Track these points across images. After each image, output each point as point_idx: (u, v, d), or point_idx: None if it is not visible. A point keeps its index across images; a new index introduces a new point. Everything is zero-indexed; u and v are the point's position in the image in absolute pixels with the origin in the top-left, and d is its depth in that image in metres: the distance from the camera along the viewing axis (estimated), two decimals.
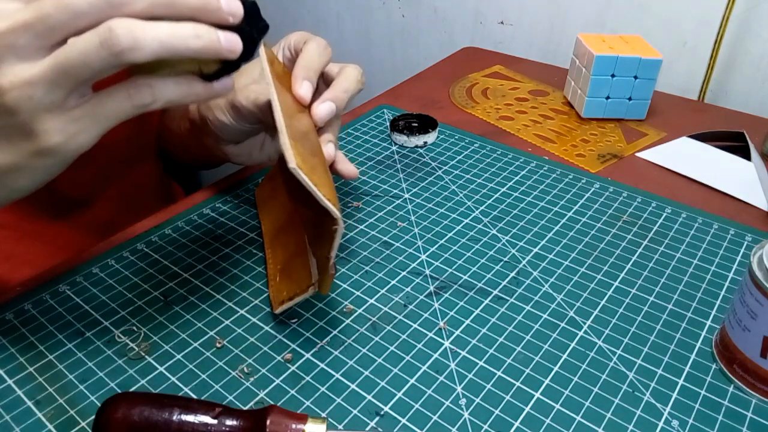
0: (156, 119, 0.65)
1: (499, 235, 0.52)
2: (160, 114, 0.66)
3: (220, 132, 0.49)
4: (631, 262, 0.49)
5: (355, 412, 0.37)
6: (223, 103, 0.47)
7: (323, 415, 0.37)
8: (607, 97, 0.70)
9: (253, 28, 0.33)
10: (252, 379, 0.39)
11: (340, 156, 0.48)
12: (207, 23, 0.31)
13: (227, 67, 0.34)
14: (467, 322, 0.43)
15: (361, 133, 0.68)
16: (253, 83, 0.47)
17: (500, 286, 0.47)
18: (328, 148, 0.45)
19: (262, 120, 0.47)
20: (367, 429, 0.36)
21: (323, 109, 0.44)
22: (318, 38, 0.48)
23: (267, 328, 0.43)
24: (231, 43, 0.32)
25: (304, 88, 0.44)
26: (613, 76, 0.69)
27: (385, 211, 0.55)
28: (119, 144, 0.59)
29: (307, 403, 0.37)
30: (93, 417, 0.35)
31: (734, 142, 0.65)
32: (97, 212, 0.60)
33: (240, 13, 0.32)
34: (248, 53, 0.34)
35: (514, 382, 0.39)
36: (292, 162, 0.34)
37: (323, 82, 0.49)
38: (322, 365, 0.40)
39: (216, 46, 0.31)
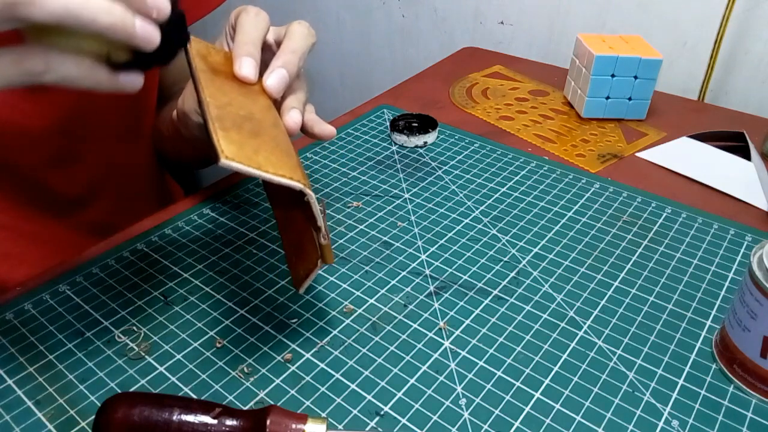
0: (151, 120, 0.65)
1: (499, 235, 0.52)
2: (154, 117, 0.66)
3: (200, 133, 0.49)
4: (631, 262, 0.49)
5: (355, 412, 0.37)
6: (195, 106, 0.46)
7: (323, 415, 0.37)
8: (607, 97, 0.70)
9: (174, 35, 0.32)
10: (252, 379, 0.39)
11: (313, 119, 0.45)
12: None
13: (139, 61, 0.32)
14: (467, 322, 0.43)
15: (361, 133, 0.68)
16: None
17: (500, 286, 0.46)
18: (292, 115, 0.42)
19: None
20: (367, 429, 0.36)
21: (273, 78, 0.41)
22: (249, 7, 0.45)
23: (267, 328, 0.43)
24: (146, 32, 0.30)
25: (244, 67, 0.41)
26: (613, 76, 0.69)
27: (385, 211, 0.55)
28: (114, 145, 0.59)
29: (307, 403, 0.37)
30: (93, 417, 0.35)
31: (734, 142, 0.65)
32: (94, 213, 0.60)
33: (165, 11, 0.30)
34: (164, 57, 0.33)
35: (514, 382, 0.39)
36: (221, 155, 0.33)
37: (277, 48, 0.45)
38: (322, 365, 0.40)
39: (129, 30, 0.29)
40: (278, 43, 0.45)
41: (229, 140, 0.34)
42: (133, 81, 0.33)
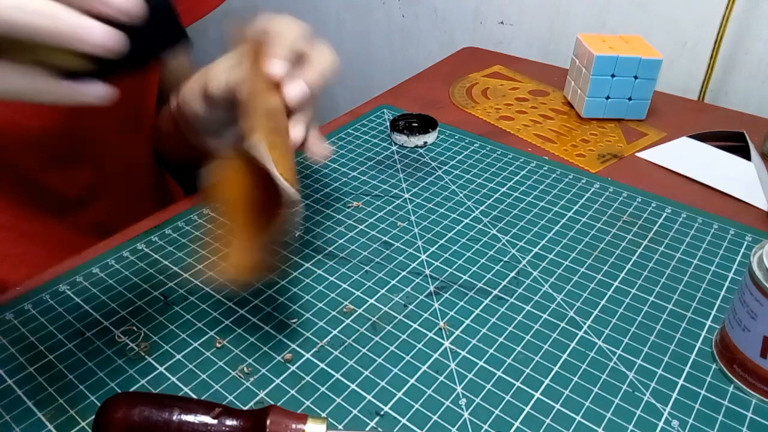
0: (151, 120, 0.65)
1: (499, 235, 0.52)
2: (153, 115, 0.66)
3: (198, 124, 0.48)
4: (631, 262, 0.49)
5: (355, 412, 0.37)
6: (198, 91, 0.46)
7: (323, 415, 0.37)
8: (607, 97, 0.70)
9: (159, 33, 0.28)
10: (252, 379, 0.39)
11: (313, 136, 0.46)
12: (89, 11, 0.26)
13: (105, 68, 0.28)
14: (467, 322, 0.43)
15: (361, 133, 0.68)
16: (224, 69, 0.45)
17: (500, 286, 0.46)
18: (298, 130, 0.43)
19: (233, 106, 0.45)
20: (367, 429, 0.36)
21: (297, 90, 0.42)
22: (285, 16, 0.45)
23: (267, 328, 0.43)
24: (104, 37, 0.26)
25: (278, 67, 0.41)
26: (613, 76, 0.69)
27: (385, 211, 0.55)
28: (114, 145, 0.60)
29: (307, 403, 0.37)
30: (93, 417, 0.35)
31: (734, 142, 0.65)
32: (94, 213, 0.60)
33: (133, 10, 0.26)
34: (140, 61, 0.29)
35: (514, 382, 0.39)
36: (254, 137, 0.33)
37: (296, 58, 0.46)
38: (322, 365, 0.40)
39: (79, 35, 0.25)
40: (299, 55, 0.45)
41: (261, 125, 0.36)
42: (95, 91, 0.29)
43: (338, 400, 0.38)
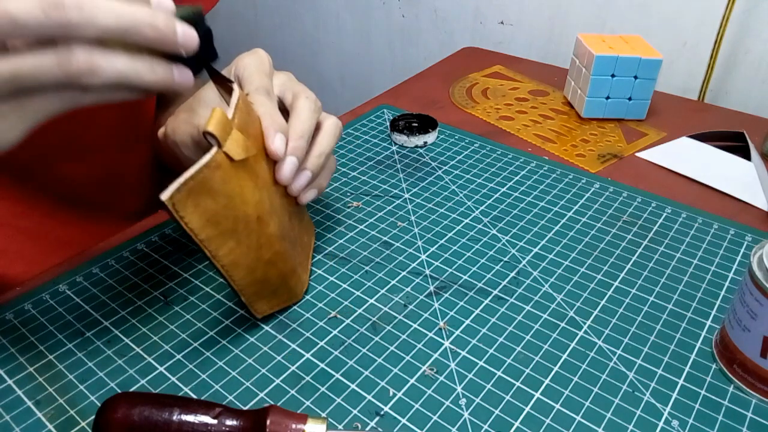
0: (150, 118, 0.65)
1: (499, 235, 0.52)
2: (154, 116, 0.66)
3: (185, 161, 0.46)
4: (631, 262, 0.49)
5: (355, 412, 0.37)
6: (189, 139, 0.45)
7: (323, 415, 0.37)
8: (607, 97, 0.70)
9: (203, 54, 0.35)
10: (252, 379, 0.39)
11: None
12: (159, 52, 0.32)
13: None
14: (467, 322, 0.43)
15: (361, 133, 0.68)
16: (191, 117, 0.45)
17: (500, 286, 0.46)
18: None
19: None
20: (367, 429, 0.36)
21: (296, 184, 0.42)
22: (308, 93, 0.44)
23: (267, 328, 0.43)
24: (184, 77, 0.34)
25: (278, 142, 0.40)
26: (613, 76, 0.69)
27: (385, 211, 0.55)
28: (113, 143, 0.60)
29: (307, 403, 0.37)
30: (93, 417, 0.35)
31: (734, 142, 0.65)
32: (93, 211, 0.60)
33: (194, 47, 0.33)
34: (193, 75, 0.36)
35: (514, 382, 0.39)
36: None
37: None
38: (322, 365, 0.40)
39: (169, 81, 0.33)
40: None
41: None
42: (185, 76, 0.35)
43: (338, 400, 0.38)
